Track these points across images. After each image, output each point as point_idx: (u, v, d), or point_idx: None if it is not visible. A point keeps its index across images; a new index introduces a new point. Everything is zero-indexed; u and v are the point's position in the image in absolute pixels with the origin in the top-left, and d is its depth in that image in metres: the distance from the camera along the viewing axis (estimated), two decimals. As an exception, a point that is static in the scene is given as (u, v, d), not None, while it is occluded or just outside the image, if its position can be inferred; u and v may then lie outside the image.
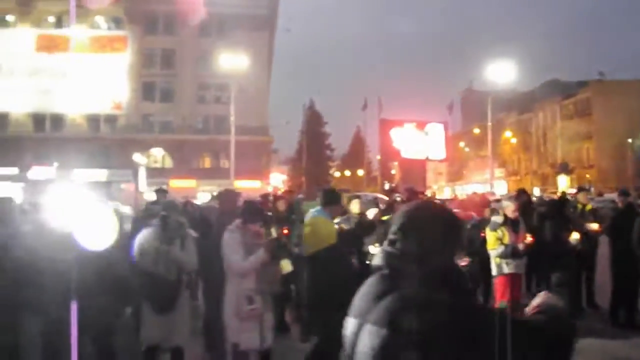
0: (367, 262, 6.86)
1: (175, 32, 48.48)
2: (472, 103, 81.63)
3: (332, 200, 6.26)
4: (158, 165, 48.55)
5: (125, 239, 7.37)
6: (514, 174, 75.89)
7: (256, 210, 5.75)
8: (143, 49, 49.97)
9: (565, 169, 50.47)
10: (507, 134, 71.34)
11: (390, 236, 2.07)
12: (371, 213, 7.94)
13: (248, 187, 33.25)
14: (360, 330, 1.97)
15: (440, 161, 58.84)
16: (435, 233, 2.00)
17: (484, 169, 63.65)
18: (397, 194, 8.43)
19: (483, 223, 8.22)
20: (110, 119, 49.92)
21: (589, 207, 9.01)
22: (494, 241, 7.67)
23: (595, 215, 8.81)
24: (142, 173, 24.99)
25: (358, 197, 8.49)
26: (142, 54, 50.06)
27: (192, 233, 5.97)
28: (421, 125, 48.66)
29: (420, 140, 47.49)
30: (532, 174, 71.53)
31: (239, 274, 5.34)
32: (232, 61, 37.01)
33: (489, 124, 43.48)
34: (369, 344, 1.90)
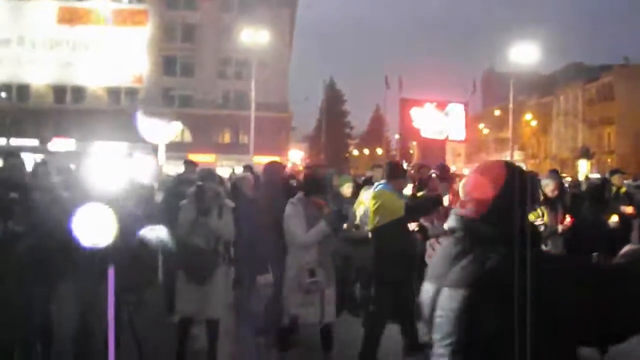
0: None
1: (197, 6, 48.35)
2: (493, 85, 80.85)
3: (397, 173, 6.10)
4: (177, 139, 48.70)
5: (155, 210, 7.41)
6: (533, 157, 75.12)
7: (319, 182, 5.73)
8: (164, 22, 49.86)
9: (586, 153, 49.82)
10: (528, 116, 70.49)
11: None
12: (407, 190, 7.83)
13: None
14: (438, 293, 1.97)
15: (460, 142, 58.31)
16: (508, 192, 1.96)
17: (502, 151, 63.08)
18: (432, 170, 8.23)
19: None
20: (131, 92, 49.98)
21: (623, 189, 8.86)
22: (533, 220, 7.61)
23: (630, 198, 8.67)
24: (161, 147, 25.09)
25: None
26: (163, 27, 49.96)
27: (229, 203, 5.89)
28: (442, 106, 48.08)
29: (440, 121, 46.96)
30: (551, 158, 70.77)
31: (301, 247, 5.31)
32: (253, 36, 36.75)
33: (511, 105, 43.10)
34: (448, 306, 1.92)
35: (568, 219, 7.50)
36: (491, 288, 1.84)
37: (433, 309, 1.99)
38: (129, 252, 4.44)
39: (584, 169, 44.93)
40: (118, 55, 46.69)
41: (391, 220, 5.61)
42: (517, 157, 64.54)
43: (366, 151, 78.02)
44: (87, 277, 4.56)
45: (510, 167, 2.09)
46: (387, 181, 5.99)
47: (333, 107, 66.66)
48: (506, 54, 40.52)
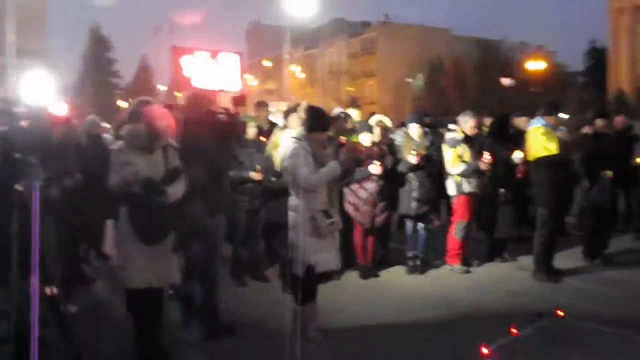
0: None
1: None
2: (260, 36, 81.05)
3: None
4: None
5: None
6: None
7: (323, 117, 5.24)
8: None
9: (355, 103, 52.49)
10: (295, 68, 72.25)
11: None
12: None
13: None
14: None
15: (236, 93, 57.72)
16: None
17: (269, 102, 63.76)
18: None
19: None
20: None
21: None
22: (456, 159, 7.16)
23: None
24: None
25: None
26: None
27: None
28: (215, 54, 46.76)
29: (213, 70, 45.71)
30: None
31: (310, 188, 4.86)
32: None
33: (286, 56, 43.49)
34: None
35: (488, 156, 7.21)
36: None
37: None
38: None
39: (356, 118, 47.27)
40: None
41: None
42: (284, 108, 65.84)
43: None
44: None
45: None
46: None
47: (98, 55, 60.91)
48: (273, 7, 40.56)
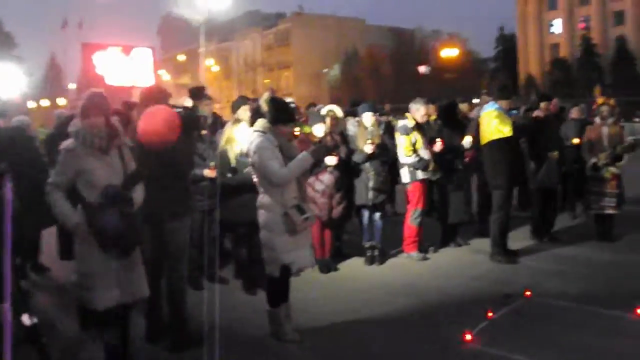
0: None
1: None
2: (172, 30, 78.98)
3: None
4: None
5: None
6: (216, 102, 76.44)
7: (287, 108, 4.95)
8: None
9: (273, 94, 52.28)
10: (209, 61, 71.00)
11: None
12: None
13: None
14: None
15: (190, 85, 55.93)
16: None
17: (183, 97, 62.34)
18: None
19: None
20: None
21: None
22: (408, 147, 7.11)
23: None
24: None
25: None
26: None
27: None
28: (127, 50, 45.00)
29: (126, 66, 43.98)
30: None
31: (281, 183, 4.62)
32: None
33: (201, 49, 42.76)
34: None
35: (439, 143, 7.24)
36: None
37: None
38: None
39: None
40: None
41: None
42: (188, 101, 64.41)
43: (45, 102, 69.55)
44: None
45: None
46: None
47: (3, 53, 57.38)
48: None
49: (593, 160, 7.87)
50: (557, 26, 60.27)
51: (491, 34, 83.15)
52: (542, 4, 58.64)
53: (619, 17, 58.54)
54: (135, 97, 7.87)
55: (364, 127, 7.18)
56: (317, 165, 6.09)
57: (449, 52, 44.75)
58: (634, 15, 57.45)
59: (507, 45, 58.36)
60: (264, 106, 5.75)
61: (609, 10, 58.81)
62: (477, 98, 12.53)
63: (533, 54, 56.57)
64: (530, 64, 55.83)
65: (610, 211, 7.85)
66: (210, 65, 70.88)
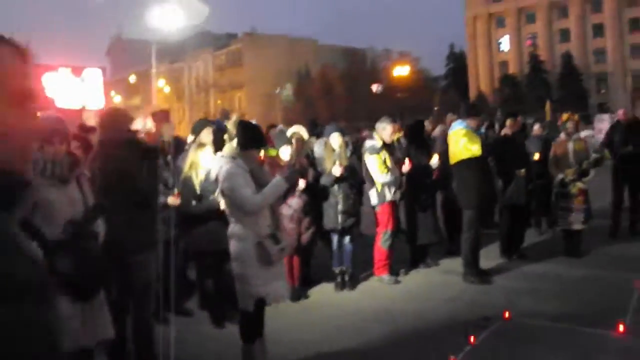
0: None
1: None
2: (122, 51, 77.79)
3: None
4: None
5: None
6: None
7: (257, 132, 4.71)
8: None
9: (227, 115, 51.77)
10: (161, 82, 70.12)
11: None
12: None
13: None
14: None
15: (98, 111, 54.72)
16: None
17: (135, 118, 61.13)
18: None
19: None
20: None
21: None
22: (381, 165, 7.00)
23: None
24: None
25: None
26: None
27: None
28: (77, 71, 43.99)
29: (76, 88, 42.96)
30: (187, 122, 72.12)
31: (254, 211, 4.35)
32: None
33: (154, 70, 42.11)
34: None
35: (407, 161, 7.16)
36: None
37: None
38: None
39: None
40: None
41: None
42: (150, 125, 63.56)
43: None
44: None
45: None
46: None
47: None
48: (138, 20, 39.13)
49: (560, 176, 7.90)
50: (505, 43, 62.04)
51: (442, 52, 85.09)
52: (491, 22, 60.27)
53: (565, 34, 60.66)
54: (87, 120, 7.50)
55: (331, 148, 7.01)
56: (289, 191, 5.85)
57: (401, 71, 45.28)
58: (578, 33, 59.62)
59: (458, 63, 59.62)
60: (232, 130, 5.51)
61: (555, 28, 60.88)
62: (430, 116, 12.60)
63: (483, 71, 57.97)
64: (481, 80, 57.18)
65: (578, 227, 7.87)
66: (161, 86, 69.98)
